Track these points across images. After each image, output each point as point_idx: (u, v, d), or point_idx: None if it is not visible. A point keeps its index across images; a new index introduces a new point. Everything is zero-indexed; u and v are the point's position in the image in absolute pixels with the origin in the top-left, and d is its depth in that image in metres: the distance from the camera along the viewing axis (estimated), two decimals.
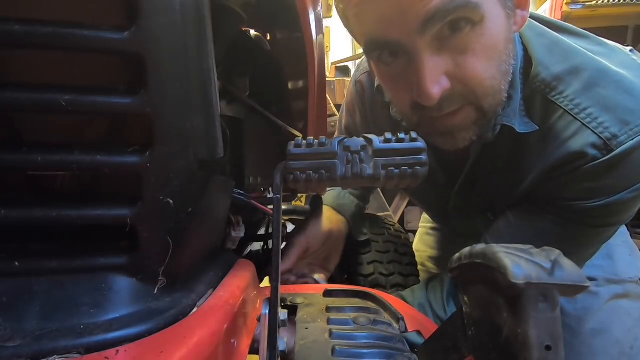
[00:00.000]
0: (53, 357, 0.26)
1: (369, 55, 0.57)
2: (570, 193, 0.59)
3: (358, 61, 0.89)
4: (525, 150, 0.60)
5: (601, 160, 0.54)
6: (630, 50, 0.66)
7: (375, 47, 0.53)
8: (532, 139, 0.59)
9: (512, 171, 0.63)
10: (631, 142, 0.53)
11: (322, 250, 0.77)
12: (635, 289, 0.79)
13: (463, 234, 0.88)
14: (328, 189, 0.85)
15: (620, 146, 0.53)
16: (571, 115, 0.56)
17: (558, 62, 0.57)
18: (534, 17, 0.62)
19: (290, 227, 0.86)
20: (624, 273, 0.80)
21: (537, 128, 0.57)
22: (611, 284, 0.79)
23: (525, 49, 0.60)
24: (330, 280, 0.77)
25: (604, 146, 0.54)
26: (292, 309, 0.44)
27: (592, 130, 0.54)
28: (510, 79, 0.56)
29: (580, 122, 0.55)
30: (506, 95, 0.56)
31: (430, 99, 0.49)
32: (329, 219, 0.80)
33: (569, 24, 0.66)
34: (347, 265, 0.83)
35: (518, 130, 0.57)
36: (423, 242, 1.13)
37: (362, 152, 0.37)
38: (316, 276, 0.72)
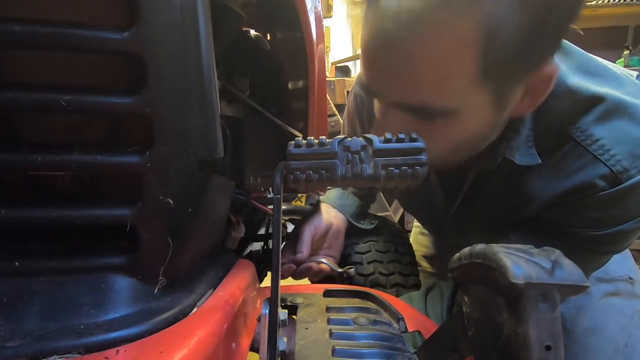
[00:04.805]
0: (53, 357, 0.26)
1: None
2: (576, 221, 0.59)
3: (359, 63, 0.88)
4: (528, 178, 0.60)
5: (609, 191, 0.54)
6: (638, 77, 0.65)
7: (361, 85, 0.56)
8: (538, 168, 0.58)
9: (513, 197, 0.63)
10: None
11: (324, 240, 0.79)
12: (626, 287, 0.79)
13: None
14: (328, 188, 0.86)
15: (630, 179, 0.53)
16: (583, 146, 0.55)
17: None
18: None
19: (290, 227, 0.86)
20: (614, 272, 0.80)
21: (539, 162, 0.57)
22: (602, 282, 0.79)
23: None
24: (330, 279, 0.77)
25: (613, 178, 0.54)
26: (292, 309, 0.44)
27: (603, 162, 0.54)
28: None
29: (592, 153, 0.55)
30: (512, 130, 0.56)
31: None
32: (329, 213, 0.82)
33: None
34: (347, 265, 0.83)
35: (518, 163, 0.57)
36: (417, 241, 1.14)
37: (362, 152, 0.37)
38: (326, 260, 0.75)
